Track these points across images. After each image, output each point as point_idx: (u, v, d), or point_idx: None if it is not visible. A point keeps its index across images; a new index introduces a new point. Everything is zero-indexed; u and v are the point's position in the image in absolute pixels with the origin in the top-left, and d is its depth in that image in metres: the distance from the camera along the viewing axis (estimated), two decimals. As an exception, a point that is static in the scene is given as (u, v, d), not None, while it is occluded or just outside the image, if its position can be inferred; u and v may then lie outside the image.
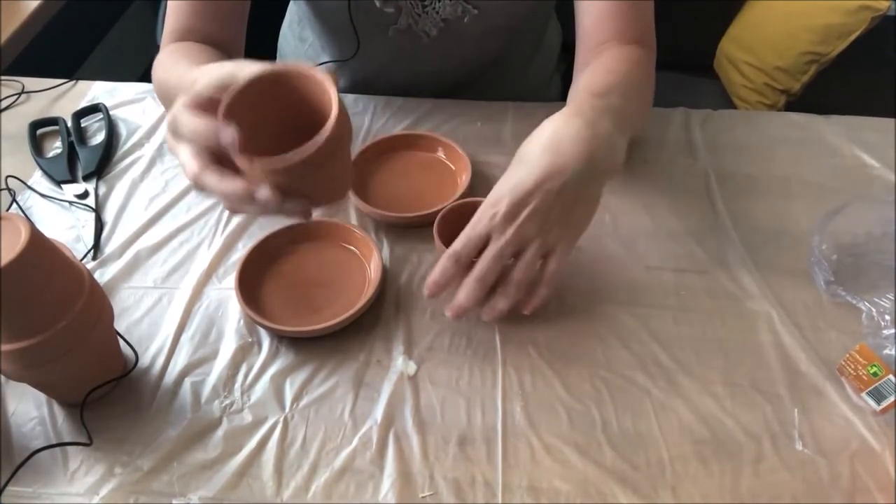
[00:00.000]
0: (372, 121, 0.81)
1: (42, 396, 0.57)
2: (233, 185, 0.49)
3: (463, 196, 0.69)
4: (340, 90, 0.86)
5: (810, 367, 0.58)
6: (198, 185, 0.50)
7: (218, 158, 0.50)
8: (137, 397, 0.58)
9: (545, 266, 0.56)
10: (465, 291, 0.55)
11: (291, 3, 0.96)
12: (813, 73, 1.19)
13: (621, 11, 0.69)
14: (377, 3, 0.79)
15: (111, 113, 0.82)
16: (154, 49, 0.75)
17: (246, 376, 0.59)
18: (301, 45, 0.95)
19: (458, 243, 0.55)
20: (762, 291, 0.63)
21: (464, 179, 0.71)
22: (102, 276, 0.66)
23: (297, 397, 0.57)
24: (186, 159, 0.50)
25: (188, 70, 0.63)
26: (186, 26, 0.72)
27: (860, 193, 0.70)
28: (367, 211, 0.69)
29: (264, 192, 0.48)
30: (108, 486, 0.52)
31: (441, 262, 0.55)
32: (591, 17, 0.71)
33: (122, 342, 0.59)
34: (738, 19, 1.29)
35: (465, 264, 0.55)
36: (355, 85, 0.90)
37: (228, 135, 0.48)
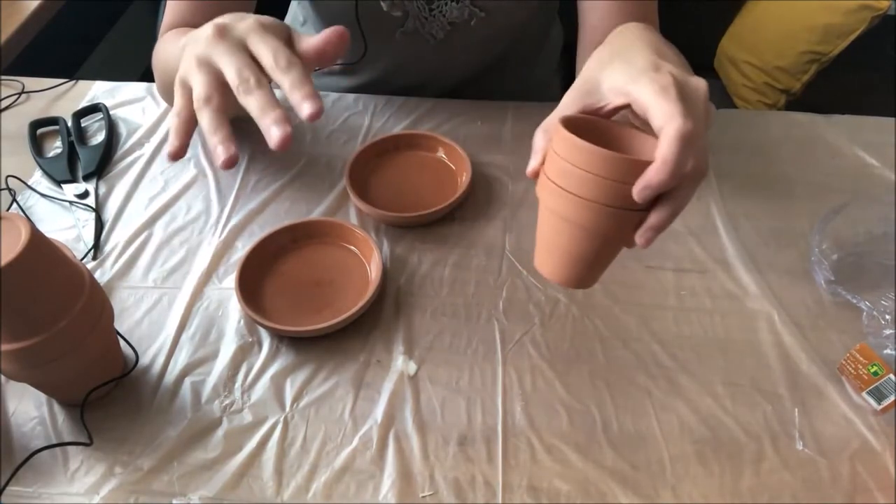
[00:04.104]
0: (372, 121, 0.81)
1: (42, 396, 0.57)
2: None
3: (463, 195, 0.69)
4: (343, 91, 0.86)
5: (810, 367, 0.58)
6: None
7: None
8: (137, 397, 0.58)
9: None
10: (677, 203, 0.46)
11: (293, 3, 0.96)
12: (813, 73, 1.19)
13: (627, 8, 0.69)
14: (384, 6, 0.78)
15: (111, 113, 0.82)
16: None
17: (246, 376, 0.59)
18: None
19: (680, 153, 0.43)
20: (762, 291, 0.63)
21: (464, 179, 0.71)
22: (102, 276, 0.66)
23: (298, 397, 0.57)
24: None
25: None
26: (184, 23, 0.72)
27: (860, 193, 0.70)
28: (368, 211, 0.69)
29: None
30: (108, 486, 0.52)
31: (666, 163, 0.42)
32: (596, 13, 0.70)
33: (122, 342, 0.59)
34: (738, 19, 1.29)
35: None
36: (359, 87, 0.90)
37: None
